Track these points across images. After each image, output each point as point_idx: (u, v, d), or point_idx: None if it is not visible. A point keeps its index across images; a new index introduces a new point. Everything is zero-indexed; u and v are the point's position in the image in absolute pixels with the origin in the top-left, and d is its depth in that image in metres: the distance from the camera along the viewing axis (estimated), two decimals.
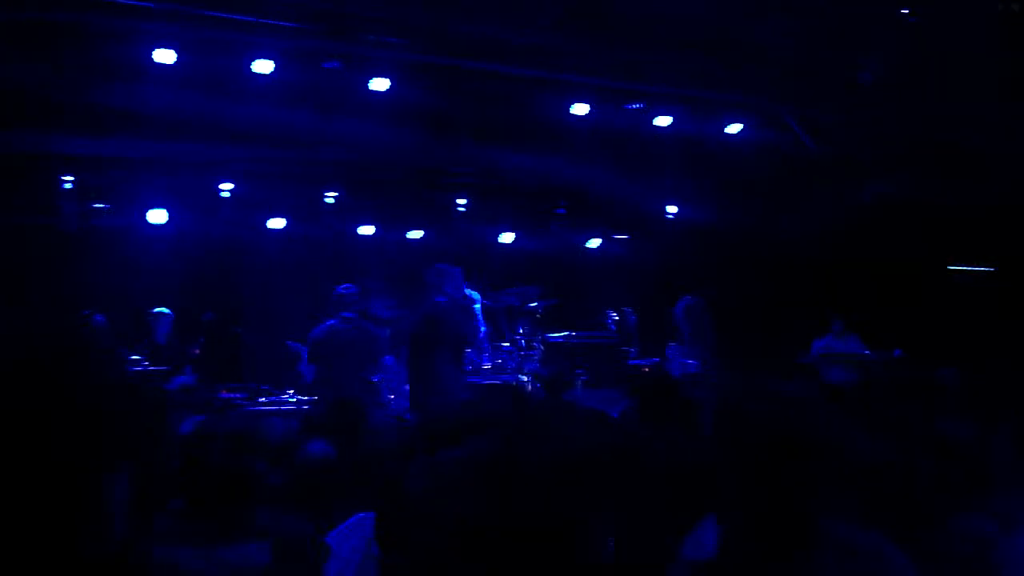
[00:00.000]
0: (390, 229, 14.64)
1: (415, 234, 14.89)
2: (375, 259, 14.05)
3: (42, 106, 10.56)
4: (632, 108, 12.56)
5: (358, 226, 14.36)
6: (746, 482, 2.87)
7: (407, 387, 10.88)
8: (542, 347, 12.60)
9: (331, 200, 13.82)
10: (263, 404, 11.46)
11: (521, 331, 12.64)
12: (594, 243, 16.07)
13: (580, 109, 12.13)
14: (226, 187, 13.08)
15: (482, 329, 12.29)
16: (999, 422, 4.60)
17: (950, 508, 3.73)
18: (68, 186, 12.30)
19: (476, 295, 12.18)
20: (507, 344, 12.66)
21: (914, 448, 4.12)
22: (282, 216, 13.72)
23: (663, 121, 12.66)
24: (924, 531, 3.59)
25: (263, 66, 10.47)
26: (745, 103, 12.64)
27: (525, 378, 11.77)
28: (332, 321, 11.05)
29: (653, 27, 10.45)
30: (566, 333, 12.85)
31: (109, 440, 1.86)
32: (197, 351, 11.96)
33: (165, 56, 10.06)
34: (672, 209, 15.69)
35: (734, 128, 12.99)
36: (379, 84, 11.12)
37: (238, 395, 11.69)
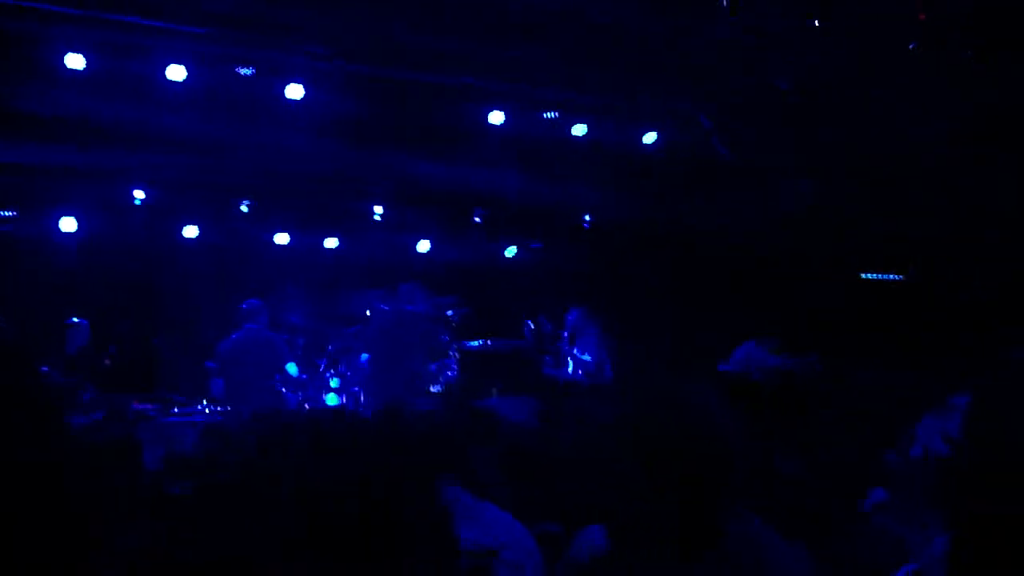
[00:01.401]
0: (306, 237, 14.55)
1: (331, 242, 14.82)
2: (290, 267, 13.97)
3: None
4: (548, 116, 12.62)
5: (273, 234, 14.25)
6: (647, 487, 2.90)
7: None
8: (457, 355, 12.63)
9: (246, 208, 13.70)
10: (176, 415, 11.36)
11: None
12: (511, 251, 16.11)
13: (496, 117, 12.16)
14: (139, 195, 12.89)
15: None
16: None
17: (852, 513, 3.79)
18: None
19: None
20: None
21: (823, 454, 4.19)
22: (196, 224, 13.56)
23: (579, 129, 12.73)
24: (827, 537, 3.65)
25: (176, 72, 10.36)
26: (661, 109, 12.74)
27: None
28: (237, 334, 11.15)
29: (571, 34, 10.51)
30: (481, 341, 12.88)
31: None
32: (108, 362, 11.78)
33: (76, 61, 9.93)
34: (587, 217, 15.78)
35: (650, 137, 13.10)
36: (294, 91, 11.06)
37: (151, 406, 11.56)
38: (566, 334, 13.03)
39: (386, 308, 12.08)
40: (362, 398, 12.01)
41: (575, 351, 12.94)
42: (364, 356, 12.32)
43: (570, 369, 12.93)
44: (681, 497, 2.84)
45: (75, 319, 11.65)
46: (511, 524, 3.75)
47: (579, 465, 4.36)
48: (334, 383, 12.32)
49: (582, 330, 13.02)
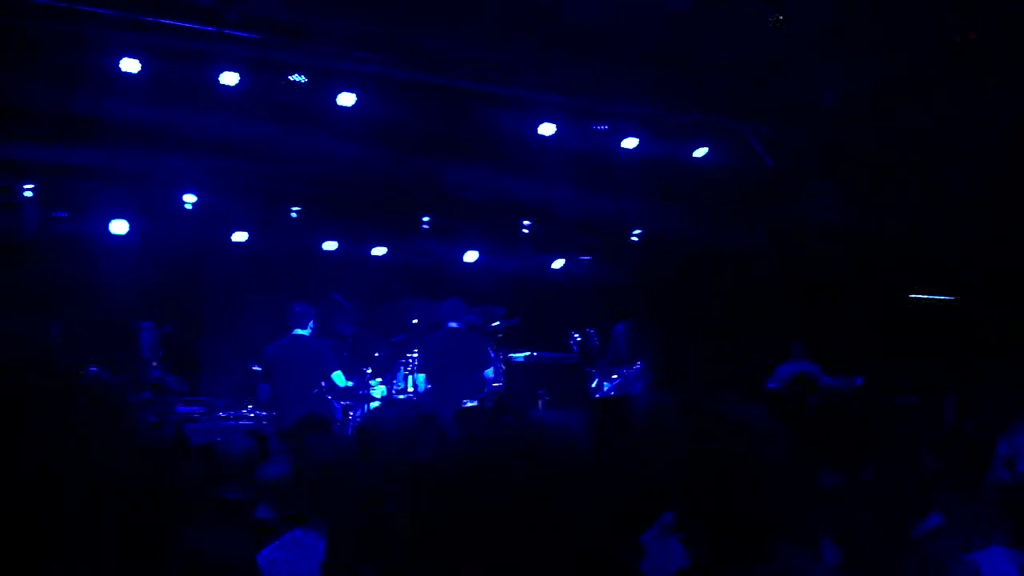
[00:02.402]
0: (354, 245, 14.57)
1: (379, 251, 14.84)
2: (338, 275, 13.99)
3: (3, 112, 10.47)
4: (598, 129, 12.58)
5: (322, 241, 14.28)
6: (697, 502, 2.87)
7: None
8: (503, 367, 12.59)
9: (295, 214, 13.74)
10: (221, 419, 11.41)
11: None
12: (558, 263, 16.07)
13: (547, 129, 12.12)
14: (189, 199, 12.96)
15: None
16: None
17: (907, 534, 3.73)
18: (28, 194, 12.15)
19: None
20: None
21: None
22: (245, 229, 13.62)
23: (629, 143, 12.68)
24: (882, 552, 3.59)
25: (229, 78, 10.42)
26: (708, 122, 12.68)
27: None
28: (283, 339, 11.17)
29: (622, 48, 10.48)
30: (528, 353, 12.83)
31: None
32: (155, 364, 11.81)
33: (131, 65, 10.01)
34: (636, 230, 15.73)
35: (700, 152, 13.03)
36: (345, 99, 11.09)
37: (196, 408, 11.61)
38: (620, 347, 12.94)
39: (441, 330, 12.12)
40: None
41: (621, 366, 12.87)
42: (421, 377, 12.31)
43: (613, 383, 12.86)
44: (718, 518, 2.80)
45: (141, 322, 11.64)
46: None
47: (624, 479, 4.31)
48: (380, 392, 12.31)
49: (629, 344, 12.94)
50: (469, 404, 10.95)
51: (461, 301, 12.02)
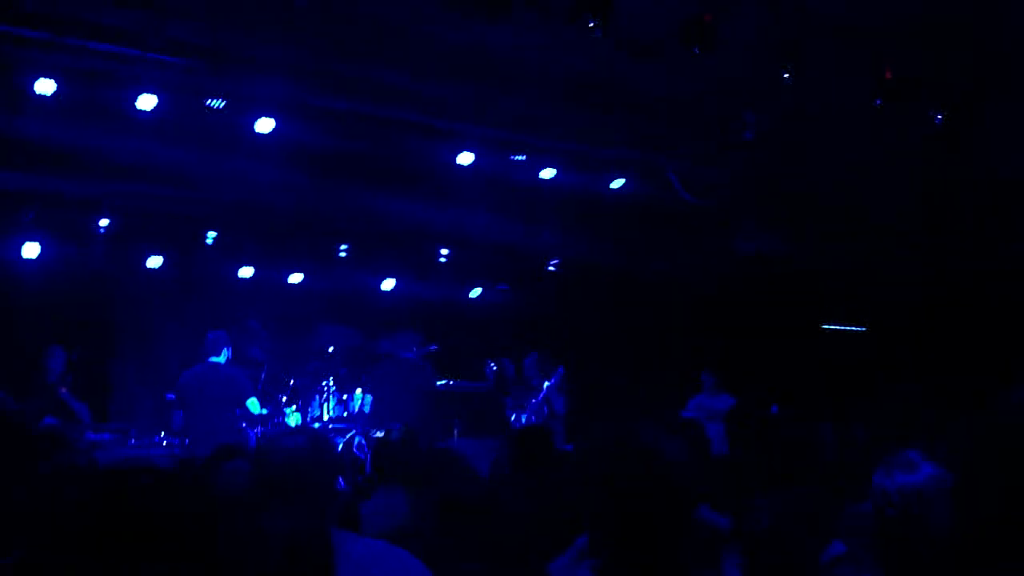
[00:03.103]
0: (270, 271, 14.48)
1: (295, 277, 14.76)
2: (254, 301, 13.90)
3: None
4: (517, 160, 12.66)
5: (238, 267, 14.17)
6: (611, 531, 2.91)
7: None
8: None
9: (211, 240, 13.62)
10: (132, 446, 11.27)
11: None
12: (476, 292, 16.10)
13: (465, 158, 12.17)
14: (103, 223, 12.80)
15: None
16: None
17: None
18: None
19: None
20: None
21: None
22: (160, 254, 13.47)
23: (547, 173, 12.77)
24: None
25: (146, 101, 10.31)
26: (626, 156, 12.81)
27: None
28: (197, 367, 11.10)
29: (541, 80, 10.57)
30: (444, 381, 12.85)
31: None
32: (64, 390, 11.64)
33: (46, 86, 9.87)
34: (553, 260, 15.82)
35: (617, 183, 13.15)
36: (264, 124, 11.03)
37: (106, 436, 11.46)
38: (532, 378, 13.06)
39: (395, 355, 12.39)
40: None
41: (535, 395, 12.95)
42: (368, 398, 12.45)
43: (529, 412, 12.94)
44: (632, 546, 2.84)
45: (50, 347, 11.47)
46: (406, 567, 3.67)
47: (529, 509, 4.35)
48: (294, 419, 12.24)
49: (540, 374, 13.05)
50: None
51: (415, 334, 12.31)
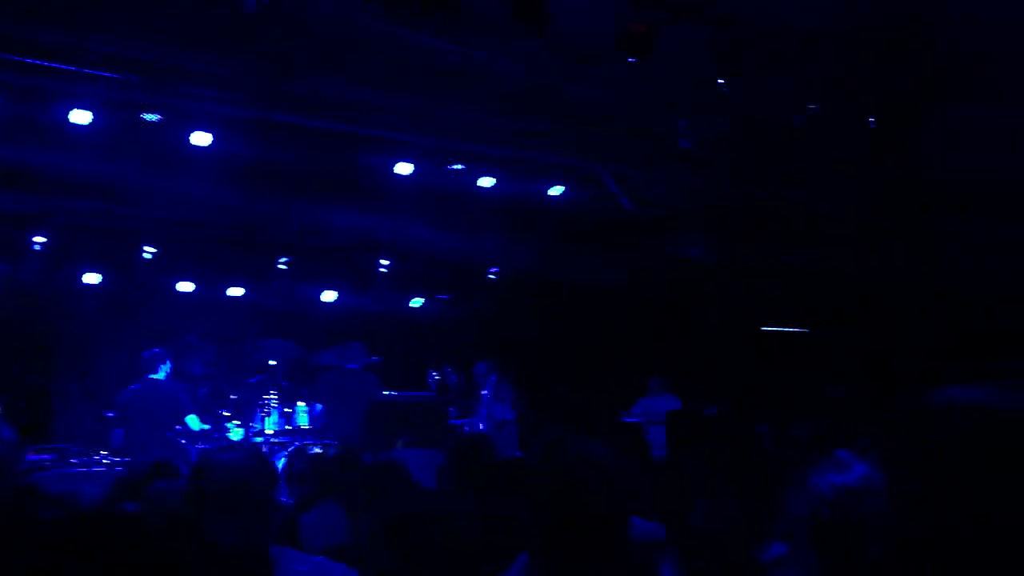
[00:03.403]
0: (210, 285, 14.39)
1: (235, 291, 14.68)
2: (194, 316, 13.81)
3: None
4: (454, 168, 12.67)
5: (176, 281, 14.07)
6: (541, 541, 2.93)
7: None
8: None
9: (149, 255, 13.52)
10: (74, 466, 11.15)
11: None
12: (417, 302, 16.09)
13: (403, 168, 12.16)
14: (39, 239, 12.67)
15: None
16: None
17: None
18: None
19: None
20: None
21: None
22: (97, 270, 13.35)
23: (486, 181, 12.79)
24: None
25: (80, 116, 10.22)
26: (565, 164, 12.87)
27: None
28: (136, 384, 11.06)
29: (478, 87, 10.59)
30: (387, 392, 12.84)
31: None
32: (1, 408, 11.50)
33: None
34: (494, 268, 15.85)
35: (556, 190, 13.20)
36: (200, 138, 10.97)
37: (46, 456, 11.32)
38: (483, 391, 13.11)
39: (341, 367, 12.47)
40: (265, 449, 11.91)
41: (483, 403, 12.98)
42: (317, 407, 12.49)
43: (479, 422, 12.96)
44: (572, 554, 2.86)
45: None
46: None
47: (472, 522, 4.36)
48: (236, 434, 12.16)
49: (489, 382, 13.09)
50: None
51: (363, 347, 12.36)
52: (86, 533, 2.80)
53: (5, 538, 3.46)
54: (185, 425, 11.15)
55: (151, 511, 4.60)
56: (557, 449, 3.06)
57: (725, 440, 5.80)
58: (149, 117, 10.66)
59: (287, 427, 12.53)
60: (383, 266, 15.26)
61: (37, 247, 12.75)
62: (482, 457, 6.22)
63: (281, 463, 10.37)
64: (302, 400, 12.68)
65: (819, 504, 3.52)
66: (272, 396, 12.59)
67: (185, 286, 14.15)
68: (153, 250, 13.52)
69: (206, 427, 11.66)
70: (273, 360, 13.16)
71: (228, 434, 12.10)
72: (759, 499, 4.33)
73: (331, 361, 12.99)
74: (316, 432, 12.21)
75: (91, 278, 13.37)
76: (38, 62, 9.35)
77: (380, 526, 4.23)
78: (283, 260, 14.58)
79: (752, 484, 4.88)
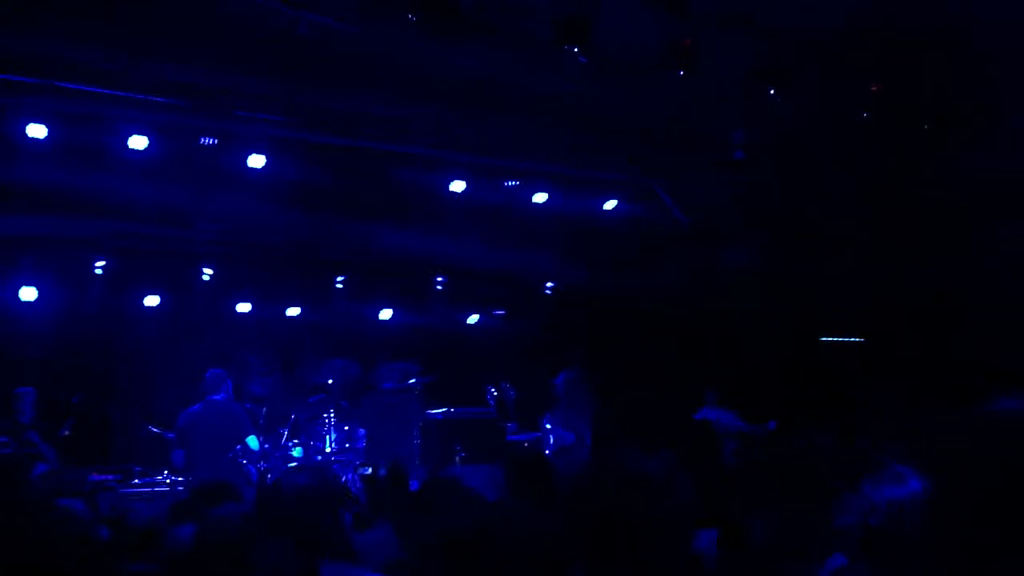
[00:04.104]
0: (267, 306, 14.50)
1: (293, 311, 14.79)
2: (252, 336, 13.92)
3: None
4: (509, 185, 12.71)
5: (235, 303, 14.20)
6: (594, 559, 2.92)
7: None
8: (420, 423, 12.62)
9: (207, 277, 13.66)
10: (136, 486, 11.28)
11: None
12: (473, 318, 16.12)
13: (457, 186, 12.22)
14: (100, 264, 12.85)
15: None
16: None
17: None
18: None
19: None
20: None
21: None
22: (157, 293, 13.51)
23: (539, 197, 12.82)
24: None
25: (138, 142, 10.37)
26: (618, 178, 12.87)
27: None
28: (197, 406, 11.13)
29: (529, 104, 10.63)
30: (444, 409, 12.86)
31: None
32: (66, 432, 11.66)
33: (38, 131, 9.93)
34: (549, 283, 15.86)
35: (610, 204, 13.20)
36: (256, 161, 11.09)
37: (110, 477, 11.46)
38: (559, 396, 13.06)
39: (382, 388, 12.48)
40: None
41: (556, 420, 12.93)
42: (361, 431, 12.47)
43: (551, 437, 12.89)
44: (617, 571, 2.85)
45: (23, 388, 11.48)
46: None
47: (530, 540, 4.35)
48: (297, 452, 12.23)
49: (570, 396, 12.99)
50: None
51: (399, 366, 12.36)
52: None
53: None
54: (246, 445, 11.22)
55: (210, 535, 4.65)
56: (608, 465, 3.06)
57: (783, 453, 5.74)
58: (205, 141, 10.80)
59: (347, 445, 12.58)
60: (439, 283, 15.31)
61: (98, 271, 12.92)
62: (541, 471, 6.22)
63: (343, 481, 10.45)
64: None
65: (871, 515, 3.50)
66: (331, 415, 12.65)
67: (243, 307, 14.28)
68: (211, 272, 13.67)
69: (266, 447, 11.73)
70: (331, 379, 13.23)
71: (290, 452, 12.18)
72: (818, 512, 4.30)
73: (369, 382, 13.05)
74: (365, 454, 12.21)
75: (151, 301, 13.52)
76: (94, 88, 9.50)
77: (434, 541, 4.23)
78: (340, 279, 14.68)
79: (811, 497, 4.84)
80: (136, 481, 11.45)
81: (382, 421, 12.20)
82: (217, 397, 11.27)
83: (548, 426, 12.61)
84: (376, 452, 11.71)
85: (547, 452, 12.67)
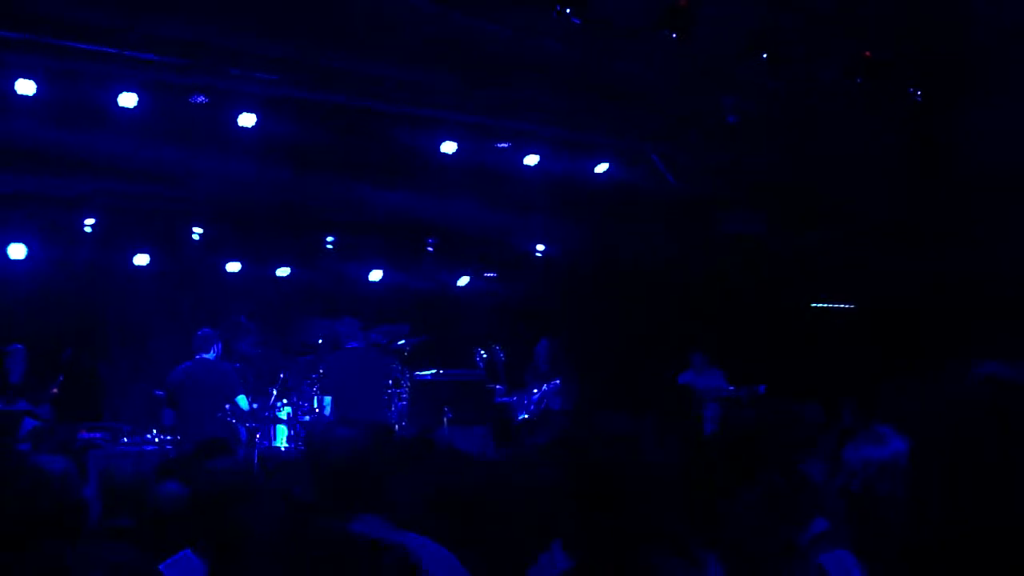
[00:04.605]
0: (257, 265, 14.49)
1: (283, 271, 14.78)
2: (242, 296, 13.92)
3: None
4: (500, 147, 12.68)
5: (225, 262, 14.19)
6: (579, 512, 2.94)
7: None
8: (409, 385, 12.60)
9: (197, 236, 13.64)
10: (125, 444, 11.29)
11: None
12: (463, 281, 16.12)
13: (448, 147, 12.19)
14: (89, 222, 12.82)
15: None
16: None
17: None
18: None
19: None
20: None
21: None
22: (147, 252, 13.48)
23: (531, 159, 12.80)
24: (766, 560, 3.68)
25: (128, 99, 10.31)
26: (610, 141, 12.84)
27: None
28: (187, 364, 11.13)
29: (521, 65, 10.59)
30: (433, 371, 12.86)
31: None
32: (56, 390, 11.67)
33: (27, 87, 9.86)
34: (539, 247, 15.86)
35: (601, 167, 13.18)
36: (247, 119, 11.04)
37: (99, 435, 11.47)
38: (541, 365, 13.09)
39: (342, 350, 12.19)
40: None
41: (542, 382, 12.99)
42: (327, 399, 12.26)
43: (535, 399, 12.96)
44: (605, 529, 2.87)
45: (14, 345, 11.47)
46: (433, 547, 3.73)
47: (517, 495, 4.37)
48: (284, 413, 12.24)
49: (550, 359, 13.07)
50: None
51: (355, 321, 12.12)
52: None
53: None
54: (235, 405, 11.23)
55: (202, 490, 4.65)
56: (595, 425, 3.07)
57: (769, 418, 5.76)
58: (197, 99, 10.75)
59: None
60: (429, 244, 15.30)
61: (87, 229, 12.89)
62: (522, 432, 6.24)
63: None
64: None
65: (850, 477, 3.52)
66: (320, 375, 12.64)
67: (233, 266, 14.27)
68: (201, 231, 13.65)
69: (255, 406, 11.74)
70: (320, 339, 13.23)
71: (278, 413, 12.19)
72: (802, 477, 4.32)
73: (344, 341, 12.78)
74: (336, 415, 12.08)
75: (140, 259, 13.50)
76: (84, 45, 9.44)
77: (422, 498, 4.26)
78: (330, 240, 14.66)
79: (795, 463, 4.87)
80: (125, 440, 11.46)
81: (349, 381, 11.97)
82: (207, 356, 11.27)
83: (534, 391, 12.70)
84: (346, 413, 11.52)
85: (533, 415, 12.76)
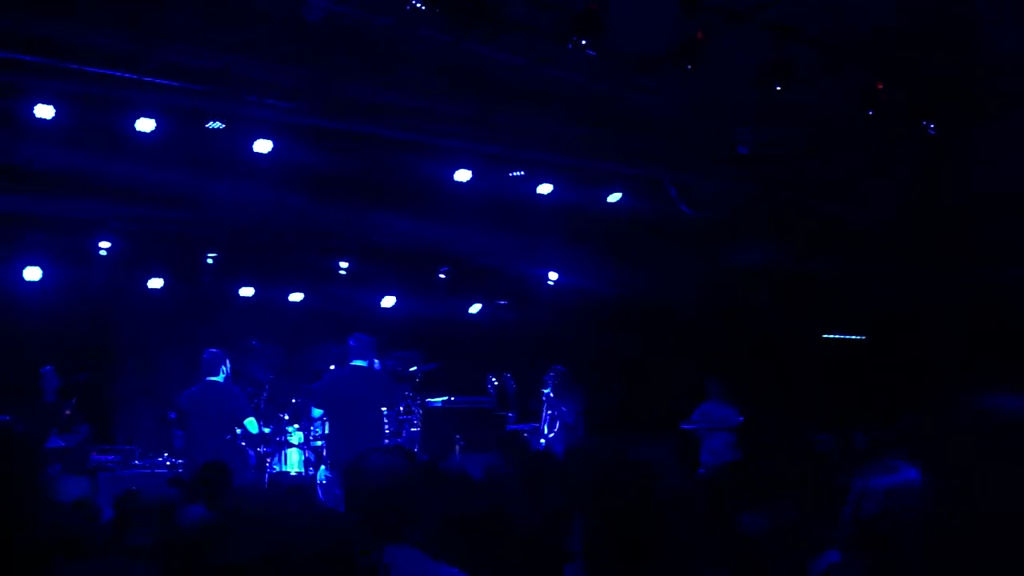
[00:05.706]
0: (271, 290, 14.54)
1: (296, 296, 14.83)
2: (255, 320, 13.95)
3: None
4: (514, 175, 12.73)
5: (238, 287, 14.25)
6: (600, 536, 2.95)
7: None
8: (420, 411, 12.60)
9: (211, 260, 13.71)
10: (137, 467, 11.33)
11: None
12: (475, 308, 16.15)
13: (462, 175, 12.24)
14: (104, 245, 12.89)
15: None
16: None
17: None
18: None
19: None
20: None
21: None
22: (161, 276, 13.55)
23: (544, 188, 12.85)
24: None
25: (145, 124, 10.39)
26: (623, 170, 12.88)
27: None
28: (196, 386, 11.09)
29: (536, 95, 10.65)
30: (444, 398, 12.87)
31: None
32: (68, 412, 11.69)
33: (45, 111, 9.94)
34: (552, 275, 15.88)
35: (614, 196, 13.22)
36: (262, 146, 11.11)
37: (111, 457, 11.51)
38: (547, 392, 13.07)
39: (342, 367, 11.97)
40: (325, 454, 11.88)
41: (552, 409, 12.97)
42: (316, 412, 12.03)
43: (546, 427, 12.95)
44: (626, 558, 2.88)
45: (44, 368, 11.48)
46: None
47: (532, 525, 4.39)
48: (296, 438, 12.26)
49: (560, 388, 13.05)
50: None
51: (370, 337, 11.91)
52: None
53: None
54: (244, 428, 11.22)
55: (228, 517, 4.68)
56: (592, 452, 3.09)
57: (783, 448, 5.78)
58: (213, 125, 10.81)
59: None
60: (442, 272, 15.35)
61: (102, 253, 12.95)
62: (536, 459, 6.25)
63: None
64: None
65: (861, 506, 3.52)
66: (311, 389, 12.62)
67: (247, 291, 14.33)
68: (215, 255, 13.71)
69: (266, 430, 11.75)
70: (332, 365, 13.25)
71: (288, 437, 12.20)
72: (815, 507, 4.33)
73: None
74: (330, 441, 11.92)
75: (155, 283, 13.57)
76: (102, 71, 9.49)
77: (435, 523, 4.28)
78: (343, 266, 14.72)
79: (809, 492, 4.88)
80: (136, 462, 11.50)
81: (343, 399, 11.60)
82: (215, 378, 11.23)
83: (544, 418, 12.71)
84: (340, 440, 11.29)
85: (543, 443, 12.76)
